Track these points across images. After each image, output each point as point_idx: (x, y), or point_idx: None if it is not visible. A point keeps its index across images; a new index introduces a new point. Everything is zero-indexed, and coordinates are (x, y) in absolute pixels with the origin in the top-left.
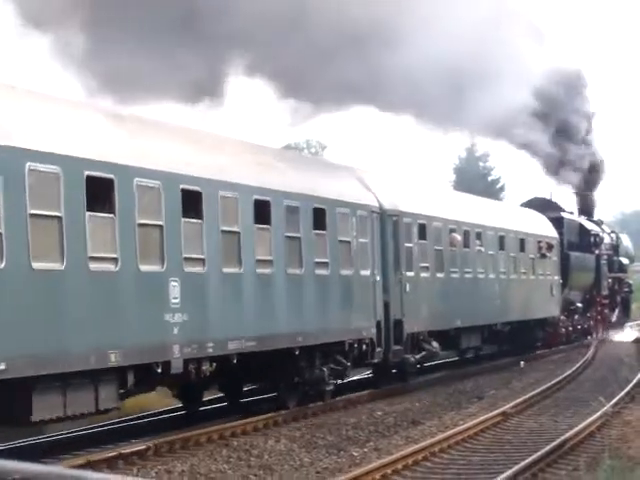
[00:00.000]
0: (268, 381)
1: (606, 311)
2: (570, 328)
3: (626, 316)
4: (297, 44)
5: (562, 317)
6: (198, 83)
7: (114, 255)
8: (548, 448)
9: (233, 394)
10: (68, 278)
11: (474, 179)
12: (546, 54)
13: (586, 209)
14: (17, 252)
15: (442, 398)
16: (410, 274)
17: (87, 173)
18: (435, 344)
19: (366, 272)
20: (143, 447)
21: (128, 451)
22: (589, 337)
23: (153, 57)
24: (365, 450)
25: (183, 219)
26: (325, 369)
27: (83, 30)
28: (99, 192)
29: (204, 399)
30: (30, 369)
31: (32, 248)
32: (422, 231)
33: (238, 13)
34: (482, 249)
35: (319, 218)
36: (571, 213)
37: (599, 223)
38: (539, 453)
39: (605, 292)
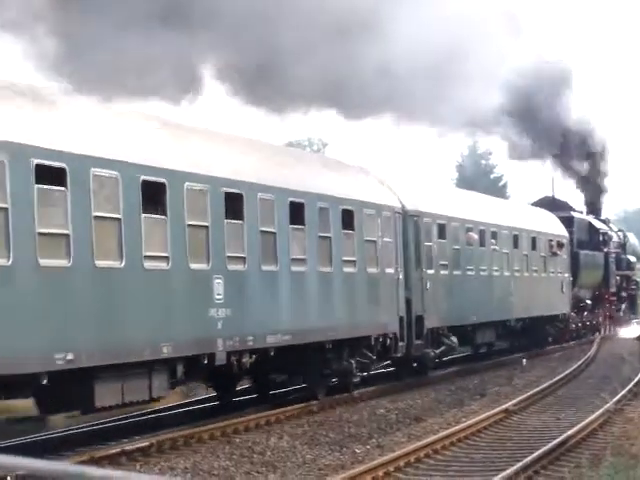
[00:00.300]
0: (300, 373)
1: (614, 308)
2: (580, 324)
3: (633, 313)
4: (276, 38)
5: (572, 314)
6: (177, 79)
7: (166, 254)
8: (550, 445)
9: (263, 386)
10: (126, 275)
11: (476, 177)
12: (536, 49)
13: (594, 208)
14: (82, 252)
15: (444, 395)
16: (430, 272)
17: (143, 178)
18: (454, 339)
19: (390, 270)
20: (146, 444)
21: (131, 448)
22: (597, 333)
23: (131, 53)
24: (367, 447)
25: (226, 220)
26: (352, 362)
27: (56, 32)
28: (153, 195)
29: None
30: (93, 360)
31: (95, 248)
32: (441, 231)
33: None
34: (497, 248)
35: (347, 219)
36: (580, 212)
37: (607, 222)
38: (541, 450)
39: (613, 289)
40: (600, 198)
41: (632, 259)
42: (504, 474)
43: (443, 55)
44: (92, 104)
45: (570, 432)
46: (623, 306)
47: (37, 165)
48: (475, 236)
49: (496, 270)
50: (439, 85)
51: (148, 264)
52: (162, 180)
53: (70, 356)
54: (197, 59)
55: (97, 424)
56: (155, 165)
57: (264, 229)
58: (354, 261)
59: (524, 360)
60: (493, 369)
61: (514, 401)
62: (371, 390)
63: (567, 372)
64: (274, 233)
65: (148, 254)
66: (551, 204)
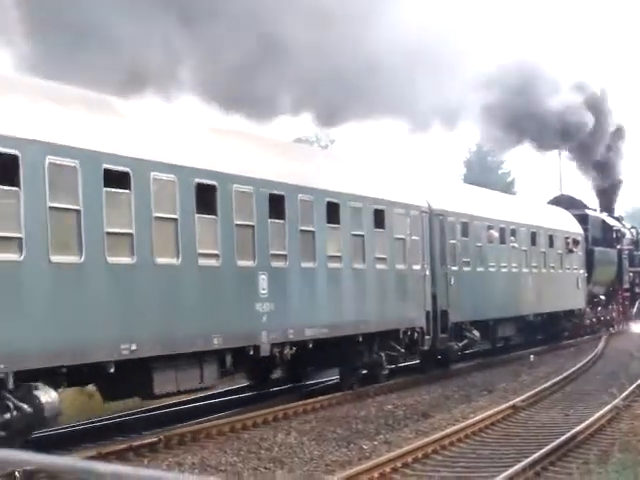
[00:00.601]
0: (334, 365)
1: (627, 303)
2: (594, 319)
3: None
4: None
5: (587, 309)
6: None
7: (216, 252)
8: (558, 441)
9: (296, 377)
10: (182, 272)
11: (484, 173)
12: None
13: (607, 205)
14: (144, 250)
15: (452, 391)
16: (454, 268)
17: (197, 181)
18: (476, 333)
19: (417, 267)
20: (154, 439)
21: (139, 443)
22: (611, 329)
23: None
24: (375, 443)
25: (270, 220)
26: (382, 355)
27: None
28: (205, 197)
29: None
30: (153, 350)
31: (155, 246)
32: (464, 229)
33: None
34: (516, 245)
35: (379, 218)
36: (595, 210)
37: (620, 219)
38: (549, 446)
39: (626, 285)
40: (613, 196)
41: None
42: (512, 470)
43: (427, 47)
44: (151, 111)
45: (578, 428)
46: (637, 303)
47: (105, 170)
48: (496, 234)
49: (515, 267)
50: (424, 77)
51: (202, 261)
52: (213, 183)
53: (134, 346)
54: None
55: (104, 420)
56: (207, 168)
57: (303, 228)
58: (385, 258)
59: (532, 356)
60: (501, 365)
61: (522, 397)
62: (378, 386)
63: (575, 368)
64: (313, 232)
65: (201, 252)
66: (566, 202)
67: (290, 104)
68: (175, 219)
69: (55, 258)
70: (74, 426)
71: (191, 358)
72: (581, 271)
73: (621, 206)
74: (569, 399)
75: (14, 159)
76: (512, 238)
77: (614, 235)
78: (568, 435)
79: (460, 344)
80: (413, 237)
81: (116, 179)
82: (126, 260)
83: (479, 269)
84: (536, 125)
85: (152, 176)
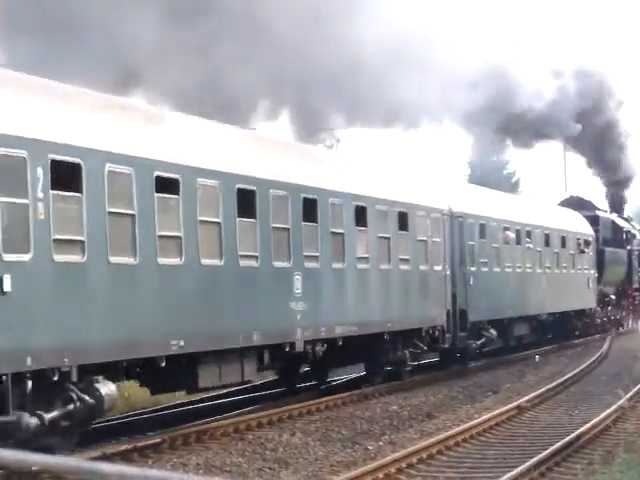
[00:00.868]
0: (361, 362)
1: (637, 303)
2: (605, 318)
3: None
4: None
5: (597, 308)
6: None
7: (255, 253)
8: (563, 442)
9: (321, 374)
10: (225, 272)
11: (489, 173)
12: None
13: (616, 206)
14: (191, 252)
15: (457, 392)
16: (473, 269)
17: (238, 186)
18: (493, 331)
19: (439, 267)
20: (158, 440)
21: (143, 444)
22: (621, 328)
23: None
24: (380, 444)
25: (303, 223)
26: (406, 352)
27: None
28: (245, 201)
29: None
30: (199, 345)
31: (201, 248)
32: (482, 230)
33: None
34: (531, 246)
35: (403, 220)
36: (605, 211)
37: (629, 220)
38: (554, 447)
39: (635, 285)
40: (623, 197)
41: None
42: (516, 471)
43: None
44: (194, 120)
45: (583, 429)
46: None
47: (157, 176)
48: (512, 235)
49: (530, 267)
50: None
51: (242, 262)
52: (252, 188)
53: (182, 342)
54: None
55: (109, 420)
56: (247, 174)
57: (334, 230)
58: (408, 259)
59: (537, 356)
60: (506, 365)
61: (527, 397)
62: (383, 387)
63: (579, 369)
64: (342, 234)
65: (242, 253)
66: (577, 203)
67: (269, 106)
68: (218, 222)
69: (113, 259)
70: None
71: (233, 354)
72: (592, 271)
73: (628, 206)
74: (574, 399)
75: (77, 167)
76: (527, 239)
77: (624, 236)
78: (573, 435)
79: (478, 342)
80: (434, 239)
81: (166, 185)
82: (175, 261)
83: (496, 269)
84: (520, 124)
85: (198, 182)
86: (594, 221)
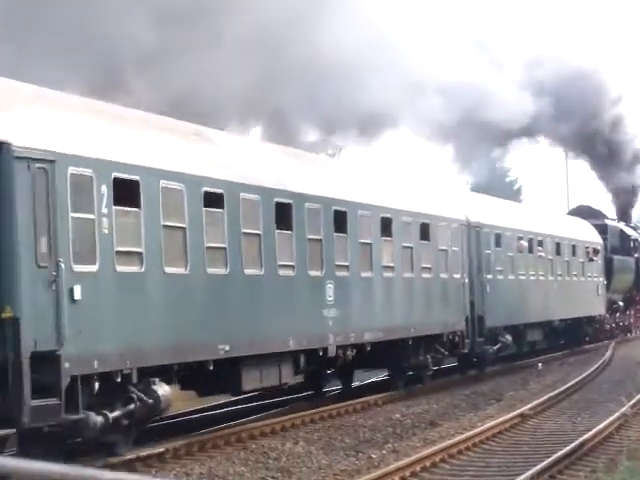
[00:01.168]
0: (385, 366)
1: None
2: (613, 325)
3: None
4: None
5: (606, 315)
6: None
7: (292, 263)
8: (566, 450)
9: (347, 379)
10: (265, 281)
11: (491, 181)
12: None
13: (624, 215)
14: (235, 262)
15: (460, 400)
16: (489, 277)
17: (276, 200)
18: (508, 337)
19: (458, 275)
20: (162, 450)
21: (147, 453)
22: (629, 334)
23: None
24: (383, 452)
25: (334, 234)
26: (428, 357)
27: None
28: (282, 214)
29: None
30: (243, 350)
31: (244, 258)
32: (497, 240)
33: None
34: (543, 254)
35: (424, 231)
36: (613, 220)
37: (636, 228)
38: (557, 455)
39: None
40: (630, 206)
41: None
42: (520, 479)
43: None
44: (234, 137)
45: (586, 436)
46: None
47: (205, 192)
48: (525, 244)
49: (542, 275)
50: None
51: (281, 272)
52: (289, 201)
53: (227, 347)
54: None
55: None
56: (284, 189)
57: (362, 241)
58: (430, 268)
59: (540, 364)
60: (509, 373)
61: (530, 405)
62: (387, 395)
63: (582, 376)
64: (370, 244)
65: (280, 263)
66: (586, 212)
67: (239, 115)
68: (259, 234)
69: (168, 270)
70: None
71: (271, 358)
72: (601, 279)
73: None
74: (577, 407)
75: (136, 184)
76: (539, 248)
77: (632, 244)
78: (576, 443)
79: (495, 347)
80: (454, 248)
81: (213, 200)
82: (221, 271)
83: (510, 277)
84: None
85: (241, 197)
86: (603, 230)
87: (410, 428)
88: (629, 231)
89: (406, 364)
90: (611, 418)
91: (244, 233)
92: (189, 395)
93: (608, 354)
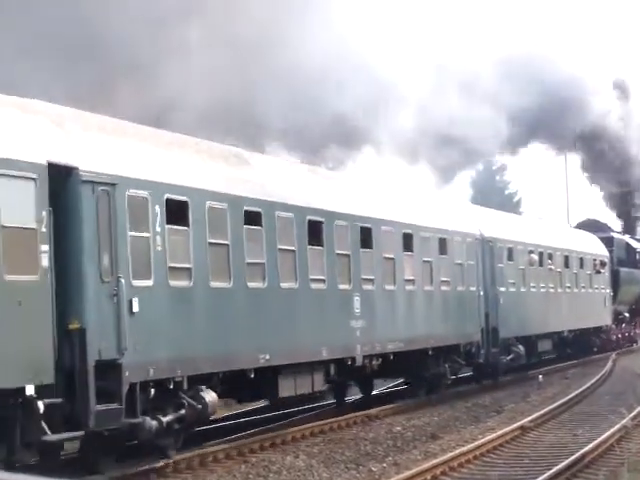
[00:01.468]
0: (405, 375)
1: None
2: (619, 335)
3: None
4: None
5: (613, 326)
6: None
7: (323, 277)
8: (567, 462)
9: (366, 388)
10: (299, 294)
11: (491, 193)
12: None
13: (629, 227)
14: (272, 276)
15: (461, 412)
16: (502, 289)
17: (308, 218)
18: (521, 347)
19: (473, 288)
20: (162, 464)
21: (147, 467)
22: (635, 344)
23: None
24: (384, 465)
25: (361, 249)
26: (446, 366)
27: None
28: (314, 231)
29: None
30: (281, 359)
31: (280, 273)
32: (509, 253)
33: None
34: (552, 267)
35: (443, 245)
36: (619, 232)
37: None
38: (558, 467)
39: None
40: (635, 219)
41: None
42: None
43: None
44: (268, 159)
45: (587, 448)
46: None
47: (245, 211)
48: (535, 257)
49: (552, 287)
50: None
51: (313, 285)
52: (320, 219)
53: (267, 356)
54: None
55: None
56: (316, 207)
57: (386, 255)
58: (447, 281)
59: (540, 376)
60: (509, 386)
61: (530, 417)
62: (388, 408)
63: (583, 388)
64: (393, 259)
65: (312, 277)
66: (592, 226)
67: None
68: (293, 250)
69: (213, 284)
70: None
71: (305, 367)
72: (607, 290)
73: None
74: (577, 419)
75: (185, 204)
76: (549, 261)
77: (637, 256)
78: (577, 455)
79: (508, 358)
80: (469, 262)
81: (252, 218)
82: (260, 285)
83: (522, 290)
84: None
85: (277, 215)
86: (609, 242)
87: (411, 441)
88: (634, 244)
89: (426, 373)
90: (612, 430)
91: (280, 249)
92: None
93: (609, 366)
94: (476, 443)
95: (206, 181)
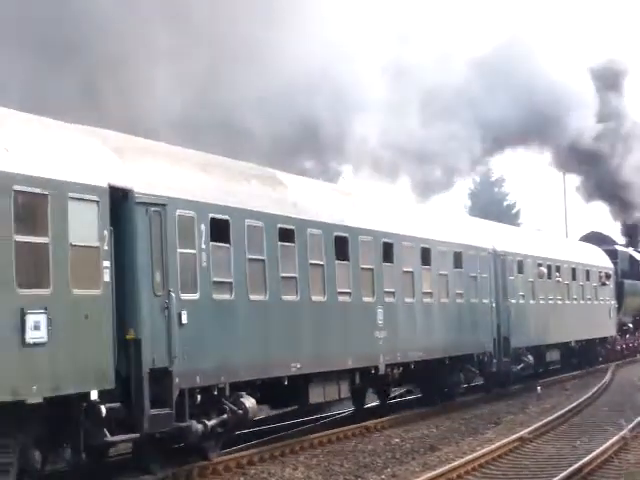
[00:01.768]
0: (422, 383)
1: None
2: (624, 345)
3: None
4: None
5: (617, 336)
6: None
7: (348, 290)
8: (565, 473)
9: (384, 396)
10: (328, 307)
11: (489, 204)
12: None
13: (633, 240)
14: (304, 289)
15: (459, 424)
16: (513, 301)
17: (335, 234)
18: (530, 357)
19: (486, 300)
20: (161, 476)
21: (147, 478)
22: (638, 355)
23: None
24: (382, 477)
25: (383, 264)
26: (461, 375)
27: None
28: (340, 246)
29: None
30: (311, 367)
31: (311, 286)
32: (520, 266)
33: None
34: (560, 280)
35: (457, 259)
36: (623, 245)
37: None
38: (557, 478)
39: None
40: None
41: None
42: None
43: None
44: (301, 179)
45: (585, 460)
46: None
47: (279, 228)
48: (544, 270)
49: (560, 299)
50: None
51: (340, 298)
52: (346, 235)
53: (299, 365)
54: None
55: (112, 455)
56: (342, 224)
57: (406, 269)
58: (462, 293)
59: (539, 388)
60: (508, 397)
61: (529, 429)
62: (386, 420)
63: (581, 400)
64: (412, 272)
65: (339, 290)
66: (597, 239)
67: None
68: (322, 265)
69: (252, 297)
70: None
71: (332, 375)
72: (612, 302)
73: None
74: (576, 431)
75: (226, 223)
76: (557, 274)
77: None
78: (575, 467)
79: (519, 367)
80: (482, 275)
81: (285, 235)
82: (292, 298)
83: (532, 301)
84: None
85: (308, 232)
86: (613, 255)
87: (409, 453)
88: (638, 256)
89: (442, 382)
90: (610, 441)
91: (310, 264)
92: None
93: (607, 377)
94: (475, 455)
95: (244, 201)
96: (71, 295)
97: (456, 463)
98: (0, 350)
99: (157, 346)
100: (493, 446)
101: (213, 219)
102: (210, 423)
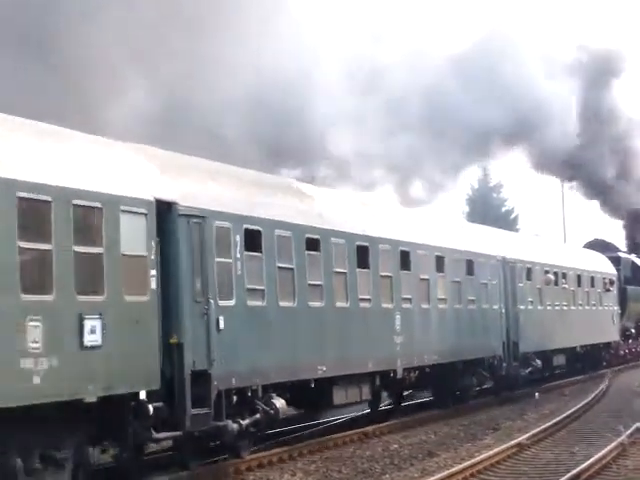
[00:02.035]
0: (436, 386)
1: None
2: (627, 350)
3: None
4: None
5: (620, 341)
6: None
7: (369, 297)
8: (564, 479)
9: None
10: (350, 312)
11: (487, 210)
12: None
13: (635, 246)
14: (329, 296)
15: (457, 429)
16: (522, 307)
17: (357, 243)
18: (538, 361)
19: (496, 306)
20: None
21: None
22: None
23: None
24: None
25: (400, 271)
26: (473, 378)
27: None
28: (361, 255)
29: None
30: (335, 371)
31: (335, 293)
32: (528, 274)
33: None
34: (566, 286)
35: (469, 267)
36: (626, 252)
37: None
38: None
39: None
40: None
41: None
42: None
43: None
44: (325, 190)
45: (583, 466)
46: None
47: (307, 238)
48: (551, 277)
49: (566, 305)
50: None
51: (361, 304)
52: (367, 244)
53: (324, 368)
54: None
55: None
56: (363, 233)
57: (422, 277)
58: (474, 300)
59: (537, 394)
60: (506, 403)
61: (527, 435)
62: (384, 425)
63: (580, 405)
64: (427, 279)
65: (360, 297)
66: (600, 246)
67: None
68: (345, 272)
69: (281, 304)
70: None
71: (354, 378)
72: (615, 307)
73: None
74: (574, 436)
75: (258, 233)
76: (563, 280)
77: None
78: (574, 473)
79: (527, 371)
80: (493, 282)
81: (312, 244)
82: (318, 304)
83: (539, 307)
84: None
85: (332, 241)
86: (616, 261)
87: (408, 458)
88: None
89: (454, 385)
90: (609, 447)
91: (334, 272)
92: None
93: (605, 383)
94: (473, 461)
95: (274, 212)
96: (123, 302)
97: (454, 469)
98: (63, 352)
99: (197, 350)
100: (491, 452)
101: (247, 230)
102: (245, 422)
